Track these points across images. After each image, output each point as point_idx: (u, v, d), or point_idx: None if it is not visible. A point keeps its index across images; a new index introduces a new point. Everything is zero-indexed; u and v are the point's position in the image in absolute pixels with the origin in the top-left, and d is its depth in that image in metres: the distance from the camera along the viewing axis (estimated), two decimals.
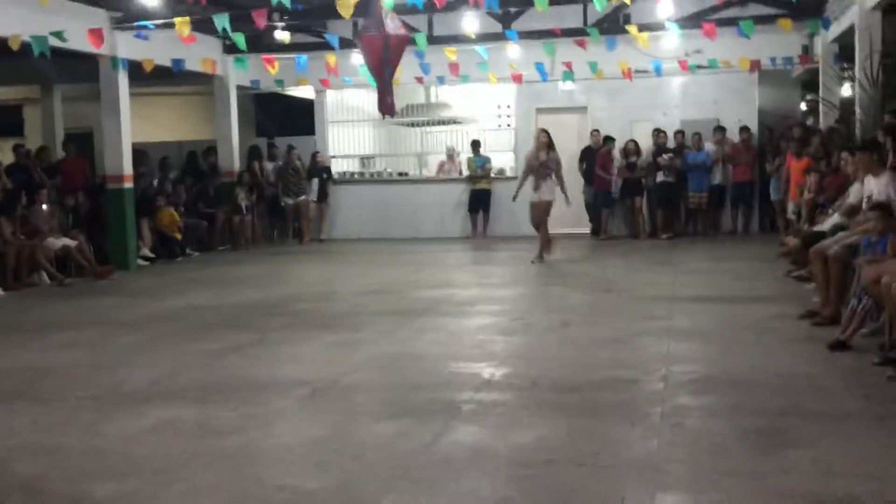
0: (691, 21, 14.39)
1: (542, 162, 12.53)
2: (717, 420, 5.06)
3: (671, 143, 16.07)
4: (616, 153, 16.13)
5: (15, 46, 10.92)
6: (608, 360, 6.59)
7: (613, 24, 14.58)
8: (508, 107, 17.62)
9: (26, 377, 6.64)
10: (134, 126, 14.03)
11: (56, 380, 6.54)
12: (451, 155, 17.51)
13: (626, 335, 7.53)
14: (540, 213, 12.71)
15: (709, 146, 16.00)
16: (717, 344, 7.08)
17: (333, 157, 18.01)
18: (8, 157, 14.73)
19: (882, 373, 5.83)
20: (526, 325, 8.20)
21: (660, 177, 15.91)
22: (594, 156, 16.09)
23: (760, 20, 13.72)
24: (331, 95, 17.94)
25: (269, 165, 17.44)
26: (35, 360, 7.31)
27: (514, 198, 13.07)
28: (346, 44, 13.82)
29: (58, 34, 10.99)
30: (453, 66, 15.05)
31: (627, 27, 13.58)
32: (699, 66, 15.59)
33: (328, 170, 17.45)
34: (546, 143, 12.60)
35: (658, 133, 16.13)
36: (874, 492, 3.84)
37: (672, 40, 15.23)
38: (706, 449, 4.55)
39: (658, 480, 4.11)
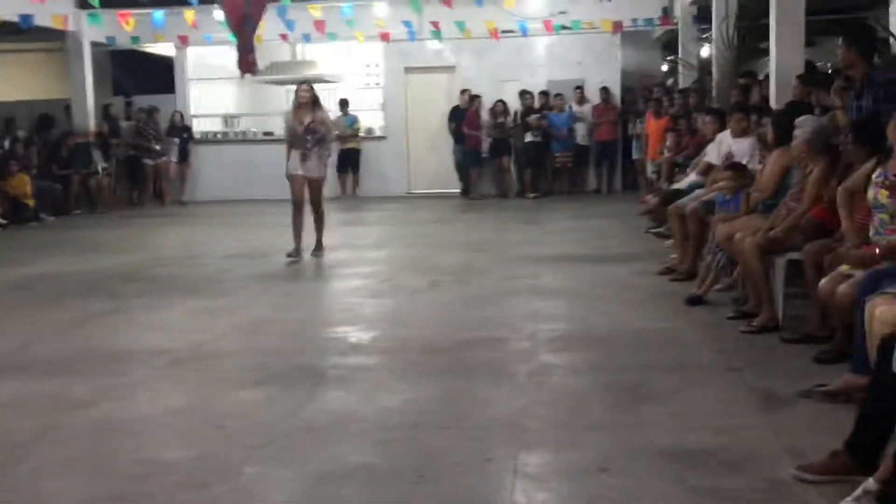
0: None
1: (306, 126, 9.41)
2: (580, 377, 5.16)
3: (537, 104, 16.24)
4: (484, 112, 16.21)
5: None
6: (477, 320, 6.62)
7: None
8: (377, 65, 17.43)
9: None
10: None
11: None
12: None
13: (495, 294, 7.59)
14: (314, 194, 9.63)
15: (573, 107, 16.25)
16: (580, 301, 7.22)
17: (195, 116, 17.48)
18: None
19: (735, 326, 6.06)
20: (395, 287, 8.17)
21: (528, 137, 16.09)
22: (463, 115, 16.13)
23: None
24: (192, 53, 17.37)
25: (124, 125, 16.81)
26: None
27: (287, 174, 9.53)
28: None
29: None
30: (319, 24, 14.78)
31: None
32: (563, 27, 15.76)
33: (189, 129, 16.94)
34: (310, 100, 9.49)
35: (525, 94, 16.28)
36: (724, 444, 3.98)
37: (537, 1, 15.32)
38: (569, 406, 4.63)
39: (521, 438, 4.16)
